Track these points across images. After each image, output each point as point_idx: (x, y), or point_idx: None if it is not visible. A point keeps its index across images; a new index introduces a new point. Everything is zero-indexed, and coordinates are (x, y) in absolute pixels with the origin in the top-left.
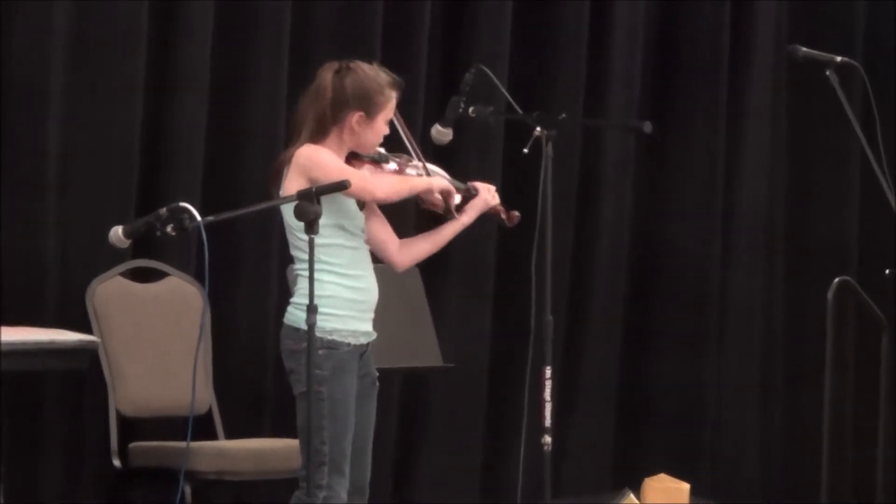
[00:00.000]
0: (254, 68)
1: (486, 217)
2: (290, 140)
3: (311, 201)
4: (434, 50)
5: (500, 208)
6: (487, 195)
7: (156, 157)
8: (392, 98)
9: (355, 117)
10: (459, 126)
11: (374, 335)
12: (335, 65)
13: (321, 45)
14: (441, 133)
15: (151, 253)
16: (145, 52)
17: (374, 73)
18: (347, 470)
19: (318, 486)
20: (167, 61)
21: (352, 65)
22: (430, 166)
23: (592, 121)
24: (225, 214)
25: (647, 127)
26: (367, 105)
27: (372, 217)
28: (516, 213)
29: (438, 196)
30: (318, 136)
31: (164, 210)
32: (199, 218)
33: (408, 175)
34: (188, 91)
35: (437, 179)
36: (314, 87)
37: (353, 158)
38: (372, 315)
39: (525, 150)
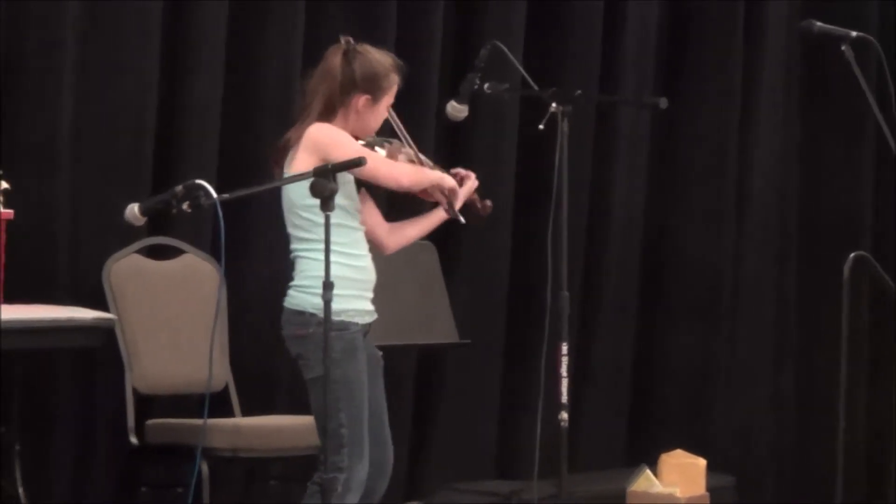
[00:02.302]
0: (268, 45)
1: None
2: (297, 119)
3: (327, 178)
4: (449, 26)
5: (476, 196)
6: (471, 182)
7: (170, 135)
8: (396, 83)
9: (362, 100)
10: (474, 102)
11: (376, 315)
12: (343, 46)
13: (335, 23)
14: (456, 109)
15: (165, 230)
16: (160, 29)
17: (380, 57)
18: (367, 450)
19: (338, 468)
20: (182, 38)
21: (359, 48)
22: (421, 155)
23: (608, 97)
24: (240, 192)
25: (664, 103)
26: (374, 89)
27: (365, 201)
28: (489, 203)
29: (440, 194)
30: (325, 117)
31: (179, 187)
32: (214, 195)
33: (415, 164)
34: (203, 68)
35: (446, 175)
36: (322, 68)
37: None
38: (372, 295)
39: (541, 127)
